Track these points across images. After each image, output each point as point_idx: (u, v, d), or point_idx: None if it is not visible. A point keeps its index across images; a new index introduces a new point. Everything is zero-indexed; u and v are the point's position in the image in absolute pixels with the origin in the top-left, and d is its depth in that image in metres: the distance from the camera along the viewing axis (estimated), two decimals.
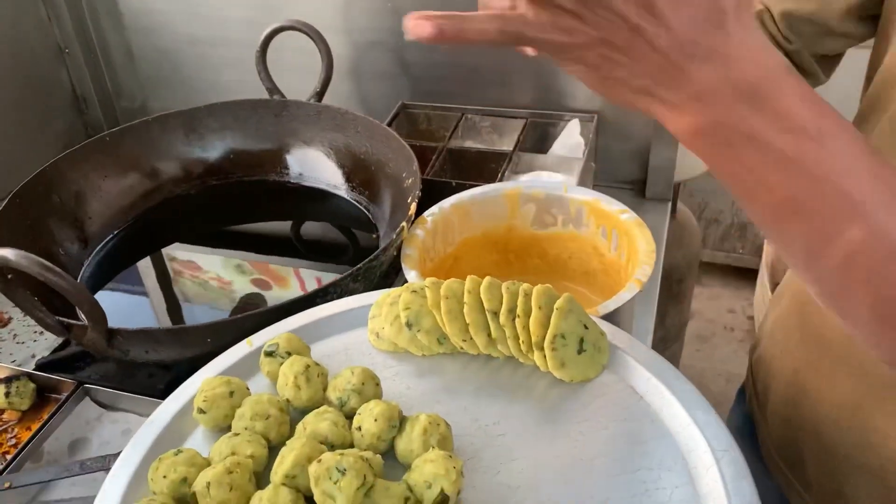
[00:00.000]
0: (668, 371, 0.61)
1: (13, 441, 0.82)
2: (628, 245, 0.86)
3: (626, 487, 0.54)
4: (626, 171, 1.20)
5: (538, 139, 1.19)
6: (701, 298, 2.35)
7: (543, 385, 0.62)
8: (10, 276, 0.69)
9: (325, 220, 1.12)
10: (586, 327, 0.63)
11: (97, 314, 0.67)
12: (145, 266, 1.05)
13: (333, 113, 1.07)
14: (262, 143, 1.11)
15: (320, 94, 1.09)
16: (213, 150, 1.11)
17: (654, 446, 0.56)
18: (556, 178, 1.06)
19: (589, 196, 0.91)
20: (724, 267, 2.36)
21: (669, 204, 1.19)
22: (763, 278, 2.13)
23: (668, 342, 1.69)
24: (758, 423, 0.83)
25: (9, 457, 0.78)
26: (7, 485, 0.73)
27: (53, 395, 0.86)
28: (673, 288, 1.59)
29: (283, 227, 1.14)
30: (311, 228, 1.14)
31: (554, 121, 1.18)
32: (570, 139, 1.14)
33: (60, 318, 0.72)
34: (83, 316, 0.69)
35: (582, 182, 1.03)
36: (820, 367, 0.76)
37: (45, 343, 0.96)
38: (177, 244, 1.07)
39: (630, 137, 1.17)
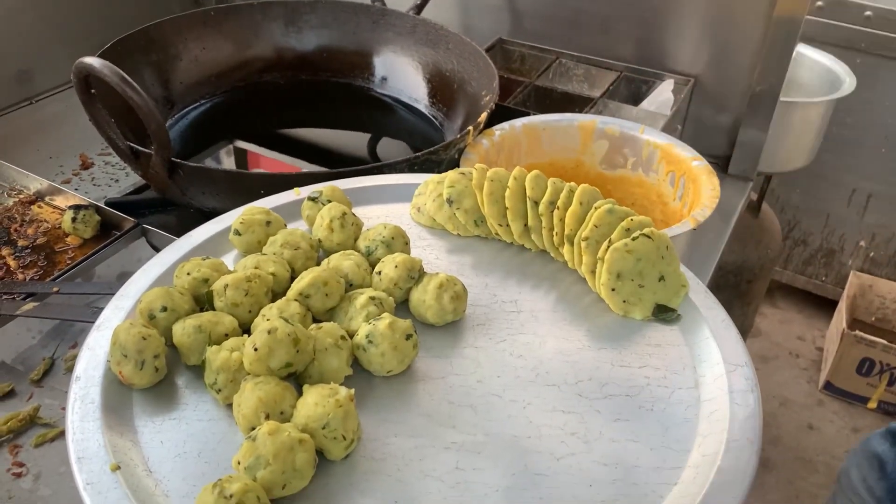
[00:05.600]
0: (698, 288, 0.59)
1: (69, 262, 0.87)
2: (693, 192, 0.84)
3: (628, 377, 0.53)
4: (712, 144, 1.16)
5: (629, 96, 1.17)
6: (772, 320, 2.26)
7: (569, 281, 0.62)
8: (93, 91, 0.72)
9: (402, 132, 1.13)
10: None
11: (163, 137, 0.70)
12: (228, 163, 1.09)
13: (428, 27, 1.08)
14: (356, 46, 1.13)
15: (419, 7, 1.10)
16: (309, 44, 1.13)
17: (667, 350, 0.55)
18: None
19: (663, 140, 0.89)
20: (802, 292, 2.25)
21: (750, 185, 1.15)
22: (841, 311, 2.03)
23: None
24: None
25: (63, 270, 0.83)
26: (55, 290, 0.77)
27: (115, 232, 0.90)
28: (741, 286, 1.54)
29: (360, 143, 1.15)
30: (386, 147, 1.15)
31: (649, 79, 1.16)
32: (661, 96, 1.12)
33: (130, 143, 0.76)
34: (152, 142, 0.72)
35: None
36: None
37: (118, 189, 1.01)
38: (252, 146, 1.10)
39: (724, 108, 1.14)
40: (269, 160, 1.09)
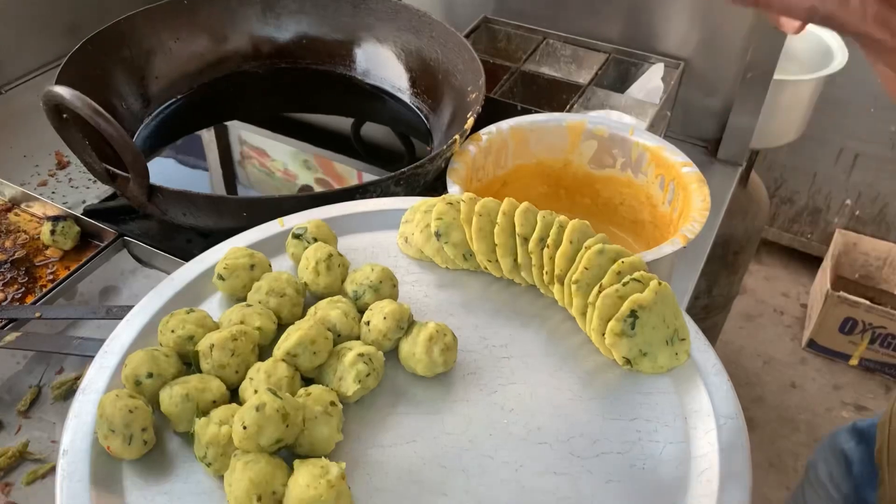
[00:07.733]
0: (690, 328, 0.59)
1: (51, 277, 0.85)
2: (683, 200, 0.83)
3: (619, 432, 0.53)
4: (702, 128, 1.15)
5: (617, 78, 1.15)
6: (757, 276, 2.28)
7: (559, 318, 0.61)
8: (65, 116, 0.70)
9: (385, 122, 1.10)
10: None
11: (139, 166, 0.68)
12: (209, 141, 1.06)
13: (412, 14, 1.04)
14: (336, 33, 1.09)
15: None
16: (287, 31, 1.09)
17: (657, 399, 0.55)
18: (625, 120, 1.02)
19: (653, 142, 0.87)
20: (787, 249, 2.27)
21: (740, 170, 1.14)
22: (826, 269, 2.05)
23: (711, 311, 1.65)
24: (882, 479, 0.79)
25: (45, 290, 0.81)
26: (38, 315, 0.76)
27: (95, 242, 0.88)
28: (728, 258, 1.54)
29: (344, 123, 1.13)
30: (370, 129, 1.13)
31: (638, 61, 1.13)
32: (650, 83, 1.09)
33: (107, 166, 0.74)
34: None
35: (653, 129, 0.99)
36: None
37: (97, 192, 0.99)
38: (236, 122, 1.07)
39: (715, 92, 1.12)
40: (256, 137, 1.06)
